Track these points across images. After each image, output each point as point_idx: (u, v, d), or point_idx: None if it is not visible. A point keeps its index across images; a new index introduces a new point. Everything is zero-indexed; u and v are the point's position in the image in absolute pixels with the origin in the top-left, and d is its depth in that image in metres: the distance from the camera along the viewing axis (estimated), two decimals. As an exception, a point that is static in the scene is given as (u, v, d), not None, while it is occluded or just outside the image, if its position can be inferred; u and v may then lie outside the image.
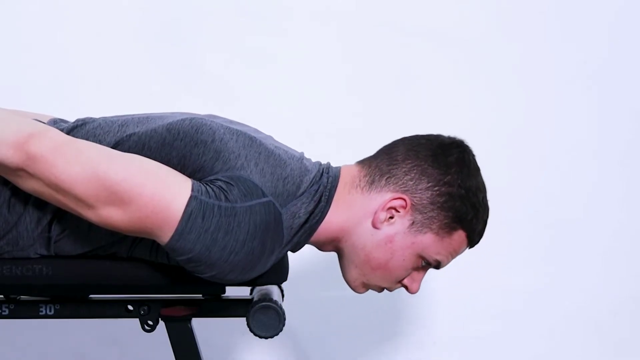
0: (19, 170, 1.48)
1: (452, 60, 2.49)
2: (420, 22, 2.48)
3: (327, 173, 1.62)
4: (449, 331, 2.50)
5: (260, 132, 1.66)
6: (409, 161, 1.60)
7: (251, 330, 1.60)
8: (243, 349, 2.48)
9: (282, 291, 1.79)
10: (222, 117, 1.66)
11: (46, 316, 1.64)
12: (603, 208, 2.52)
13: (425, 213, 1.58)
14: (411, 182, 1.58)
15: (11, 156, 1.46)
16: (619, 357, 2.52)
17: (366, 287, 1.65)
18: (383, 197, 1.59)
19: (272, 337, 1.61)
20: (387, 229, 1.59)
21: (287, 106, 2.47)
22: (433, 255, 1.60)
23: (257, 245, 1.50)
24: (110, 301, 1.66)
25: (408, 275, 1.63)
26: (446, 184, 1.58)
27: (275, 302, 1.60)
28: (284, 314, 1.60)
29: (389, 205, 1.58)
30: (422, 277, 1.64)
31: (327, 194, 1.59)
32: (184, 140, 1.53)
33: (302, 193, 1.58)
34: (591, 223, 2.51)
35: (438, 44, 2.49)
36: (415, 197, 1.58)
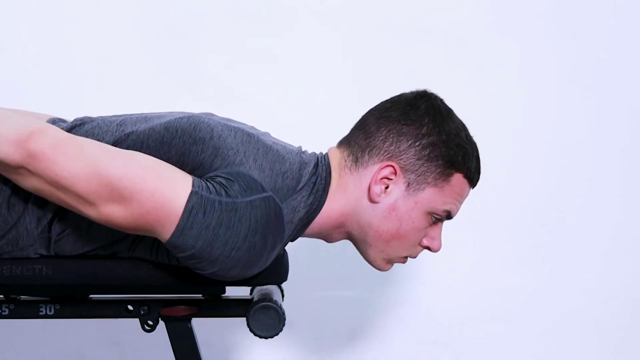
0: (19, 167, 1.48)
1: (452, 60, 2.49)
2: (421, 21, 2.48)
3: (322, 162, 1.63)
4: (449, 331, 2.50)
5: (257, 130, 1.67)
6: (383, 128, 1.61)
7: (251, 330, 1.60)
8: (243, 349, 2.48)
9: (282, 291, 1.79)
10: (219, 116, 1.67)
11: (46, 316, 1.64)
12: (602, 208, 2.52)
13: (416, 170, 1.59)
14: (392, 147, 1.59)
15: (12, 154, 1.46)
16: (618, 357, 2.52)
17: (389, 262, 1.66)
18: (371, 170, 1.60)
19: (272, 337, 1.61)
20: (386, 200, 1.59)
21: (287, 106, 2.47)
22: (440, 207, 1.61)
23: (259, 240, 1.50)
24: (110, 301, 1.66)
25: (424, 235, 1.63)
26: (425, 136, 1.59)
27: (275, 302, 1.60)
28: (284, 314, 1.60)
29: (379, 176, 1.59)
30: (440, 233, 1.64)
31: (323, 182, 1.61)
32: (182, 138, 1.54)
33: (302, 187, 1.58)
34: (590, 223, 2.51)
35: (439, 43, 2.49)
36: (401, 159, 1.59)
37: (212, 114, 1.66)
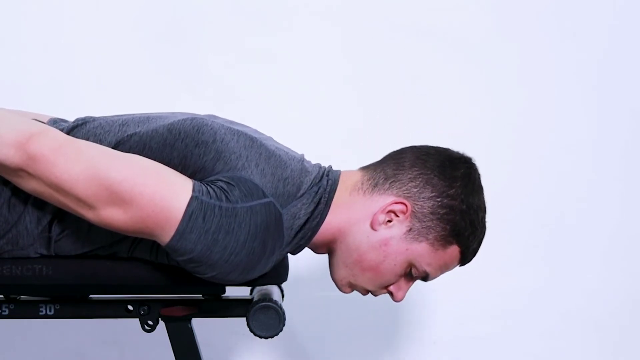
0: (19, 170, 1.48)
1: (452, 60, 2.49)
2: (421, 21, 2.48)
3: (327, 176, 1.62)
4: (449, 331, 2.50)
5: (261, 133, 1.66)
6: (416, 169, 1.59)
7: (251, 330, 1.60)
8: (243, 349, 2.48)
9: (282, 291, 1.79)
10: (222, 118, 1.66)
11: (46, 316, 1.64)
12: (602, 208, 2.52)
13: (424, 222, 1.58)
14: (415, 189, 1.58)
15: (12, 156, 1.46)
16: (618, 357, 2.52)
17: (352, 287, 1.65)
18: (385, 200, 1.59)
19: (272, 337, 1.61)
20: (384, 232, 1.59)
21: (287, 106, 2.47)
22: (424, 266, 1.60)
23: (258, 246, 1.50)
24: (110, 301, 1.66)
25: (396, 282, 1.63)
26: (449, 197, 1.58)
27: (275, 302, 1.60)
28: (284, 314, 1.60)
29: (389, 208, 1.58)
30: (409, 287, 1.64)
31: (327, 196, 1.60)
32: (185, 141, 1.53)
33: (302, 194, 1.58)
34: (590, 223, 2.51)
35: (439, 43, 2.49)
36: (417, 204, 1.58)
37: (215, 116, 1.66)
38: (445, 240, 1.58)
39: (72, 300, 1.65)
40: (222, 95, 2.44)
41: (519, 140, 2.50)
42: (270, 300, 1.60)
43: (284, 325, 1.60)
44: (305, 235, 1.59)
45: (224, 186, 1.50)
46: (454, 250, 1.60)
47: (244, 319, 1.61)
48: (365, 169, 1.65)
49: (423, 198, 1.58)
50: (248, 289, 1.79)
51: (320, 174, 1.62)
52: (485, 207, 1.63)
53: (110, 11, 2.45)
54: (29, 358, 2.46)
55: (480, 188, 1.63)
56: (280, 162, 1.57)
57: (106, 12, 2.45)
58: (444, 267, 1.62)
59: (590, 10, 2.50)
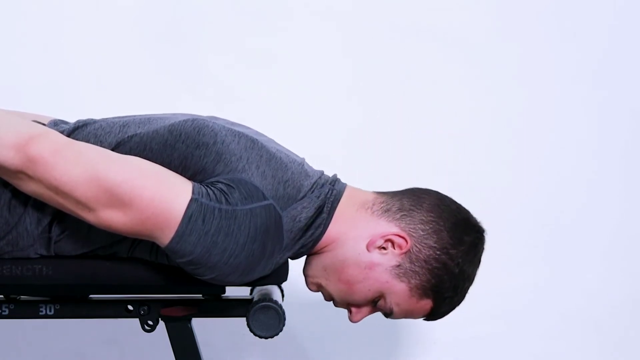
0: (19, 172, 1.48)
1: (452, 59, 2.49)
2: (421, 21, 2.48)
3: (332, 185, 1.62)
4: (449, 331, 2.50)
5: (263, 135, 1.66)
6: (432, 214, 1.59)
7: (251, 330, 1.60)
8: (243, 349, 2.48)
9: (282, 291, 1.79)
10: (223, 119, 1.66)
11: (46, 316, 1.64)
12: (602, 208, 2.51)
13: (415, 265, 1.58)
14: (422, 232, 1.58)
15: (11, 158, 1.46)
16: (618, 357, 2.52)
17: (319, 289, 1.65)
18: (390, 227, 1.59)
19: (272, 337, 1.61)
20: (375, 256, 1.58)
21: (287, 106, 2.46)
22: (392, 304, 1.60)
23: (257, 248, 1.50)
24: (110, 301, 1.66)
25: (359, 305, 1.63)
26: (448, 255, 1.58)
27: (275, 302, 1.60)
28: (284, 314, 1.60)
29: (390, 237, 1.58)
30: (368, 314, 1.64)
31: (330, 205, 1.59)
32: (185, 142, 1.53)
33: (303, 197, 1.57)
34: (590, 223, 2.51)
35: (438, 43, 2.48)
36: (416, 246, 1.58)
37: (216, 117, 1.66)
38: (424, 291, 1.59)
39: (72, 300, 1.65)
40: (222, 96, 2.44)
41: (519, 140, 2.50)
42: (270, 300, 1.60)
43: (284, 325, 1.61)
44: (307, 243, 1.59)
45: (224, 188, 1.49)
46: (426, 303, 1.61)
47: (244, 319, 1.61)
48: (380, 193, 1.64)
49: (425, 244, 1.58)
50: (248, 288, 1.79)
51: (323, 181, 1.62)
52: (473, 280, 1.64)
53: (110, 11, 2.45)
54: (29, 358, 2.46)
55: (479, 262, 1.63)
56: (281, 165, 1.57)
57: (106, 12, 2.45)
58: (409, 314, 1.63)
59: (590, 10, 2.50)
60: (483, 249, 1.64)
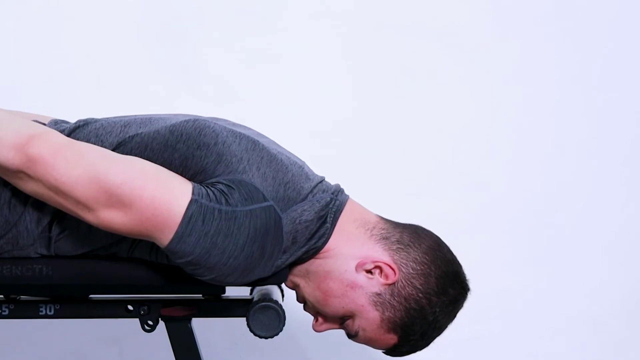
0: (19, 172, 1.48)
1: (452, 59, 2.49)
2: (420, 21, 2.48)
3: (335, 195, 1.61)
4: (448, 331, 2.49)
5: (264, 137, 1.66)
6: (426, 257, 1.59)
7: (251, 330, 1.60)
8: (243, 349, 2.48)
9: (282, 291, 1.79)
10: (224, 120, 1.66)
11: (46, 316, 1.64)
12: (603, 208, 2.52)
13: (393, 299, 1.58)
14: (412, 270, 1.58)
15: (11, 158, 1.46)
16: (618, 357, 2.52)
17: (294, 288, 1.65)
18: (383, 255, 1.58)
19: (272, 337, 1.61)
20: (360, 278, 1.58)
21: (287, 106, 2.47)
22: (359, 327, 1.60)
23: (257, 249, 1.50)
24: (110, 301, 1.66)
25: (328, 319, 1.63)
26: (428, 302, 1.58)
27: (276, 302, 1.60)
28: (284, 314, 1.60)
29: (381, 264, 1.58)
30: (331, 328, 1.65)
31: (332, 216, 1.59)
32: (186, 143, 1.53)
33: (303, 200, 1.57)
34: (591, 223, 2.51)
35: (438, 43, 2.49)
36: (402, 282, 1.58)
37: (217, 118, 1.65)
38: (394, 326, 1.59)
39: (72, 300, 1.65)
40: (222, 95, 2.44)
41: (519, 140, 2.50)
42: (270, 300, 1.60)
43: (284, 325, 1.61)
44: (309, 251, 1.59)
45: (224, 189, 1.49)
46: (391, 338, 1.61)
47: (244, 319, 1.61)
48: (383, 219, 1.64)
49: (410, 282, 1.58)
50: (248, 288, 1.79)
51: (325, 187, 1.61)
52: (442, 333, 1.65)
53: (110, 11, 2.45)
54: (29, 358, 2.46)
55: (454, 317, 1.65)
56: (282, 166, 1.57)
57: (106, 12, 2.45)
58: (371, 342, 1.63)
59: (590, 10, 2.50)
60: (462, 306, 1.65)
